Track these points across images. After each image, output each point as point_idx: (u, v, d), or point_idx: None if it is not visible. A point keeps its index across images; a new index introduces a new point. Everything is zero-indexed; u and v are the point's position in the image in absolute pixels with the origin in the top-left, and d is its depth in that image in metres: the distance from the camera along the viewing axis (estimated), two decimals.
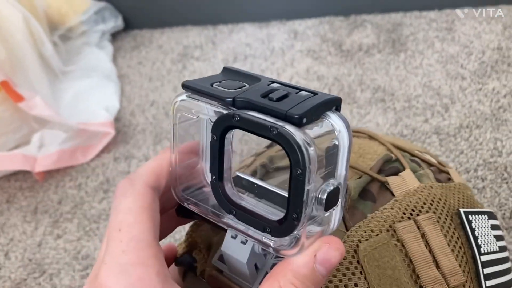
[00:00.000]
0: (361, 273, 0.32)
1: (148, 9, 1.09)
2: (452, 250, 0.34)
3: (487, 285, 0.34)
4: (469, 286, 0.34)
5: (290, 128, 0.23)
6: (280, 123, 0.23)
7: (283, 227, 0.25)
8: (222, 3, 1.05)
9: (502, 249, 0.37)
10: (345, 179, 0.26)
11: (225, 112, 0.26)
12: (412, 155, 0.41)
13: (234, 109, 0.26)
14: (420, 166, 0.39)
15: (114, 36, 1.09)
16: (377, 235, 0.33)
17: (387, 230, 0.34)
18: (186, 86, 0.28)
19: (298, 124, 0.23)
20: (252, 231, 0.28)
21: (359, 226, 0.34)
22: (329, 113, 0.25)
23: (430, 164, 0.40)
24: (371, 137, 0.42)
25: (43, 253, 0.65)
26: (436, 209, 0.35)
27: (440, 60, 0.82)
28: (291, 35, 0.98)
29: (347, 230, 0.33)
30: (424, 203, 0.35)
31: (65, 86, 0.92)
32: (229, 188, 0.28)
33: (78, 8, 1.02)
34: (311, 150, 0.23)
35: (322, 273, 0.28)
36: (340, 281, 0.32)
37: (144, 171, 0.31)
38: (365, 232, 0.33)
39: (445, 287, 0.33)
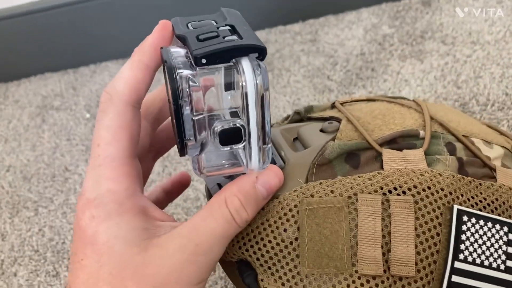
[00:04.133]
0: (295, 222, 0.31)
1: None
2: (420, 243, 0.29)
3: None
4: (423, 286, 0.29)
5: (181, 65, 0.28)
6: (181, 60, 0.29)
7: (180, 149, 0.30)
8: (81, 43, 0.96)
9: (510, 270, 0.31)
10: (263, 125, 0.28)
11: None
12: (458, 139, 0.34)
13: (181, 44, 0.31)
14: (448, 152, 0.33)
15: None
16: (335, 197, 0.31)
17: (349, 197, 0.30)
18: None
19: (196, 63, 0.27)
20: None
21: (320, 183, 0.32)
22: (242, 59, 0.27)
23: (474, 155, 0.33)
24: (418, 105, 0.37)
25: None
26: (425, 197, 0.30)
27: (307, 74, 0.79)
28: None
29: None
30: (414, 187, 0.30)
31: None
32: None
33: None
34: (191, 84, 0.28)
35: (263, 194, 0.31)
36: (275, 222, 0.32)
37: (121, 87, 0.31)
38: (324, 190, 0.32)
39: (381, 271, 0.29)
